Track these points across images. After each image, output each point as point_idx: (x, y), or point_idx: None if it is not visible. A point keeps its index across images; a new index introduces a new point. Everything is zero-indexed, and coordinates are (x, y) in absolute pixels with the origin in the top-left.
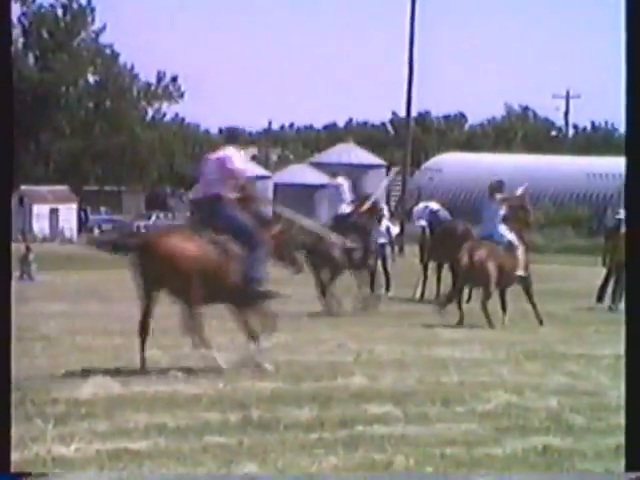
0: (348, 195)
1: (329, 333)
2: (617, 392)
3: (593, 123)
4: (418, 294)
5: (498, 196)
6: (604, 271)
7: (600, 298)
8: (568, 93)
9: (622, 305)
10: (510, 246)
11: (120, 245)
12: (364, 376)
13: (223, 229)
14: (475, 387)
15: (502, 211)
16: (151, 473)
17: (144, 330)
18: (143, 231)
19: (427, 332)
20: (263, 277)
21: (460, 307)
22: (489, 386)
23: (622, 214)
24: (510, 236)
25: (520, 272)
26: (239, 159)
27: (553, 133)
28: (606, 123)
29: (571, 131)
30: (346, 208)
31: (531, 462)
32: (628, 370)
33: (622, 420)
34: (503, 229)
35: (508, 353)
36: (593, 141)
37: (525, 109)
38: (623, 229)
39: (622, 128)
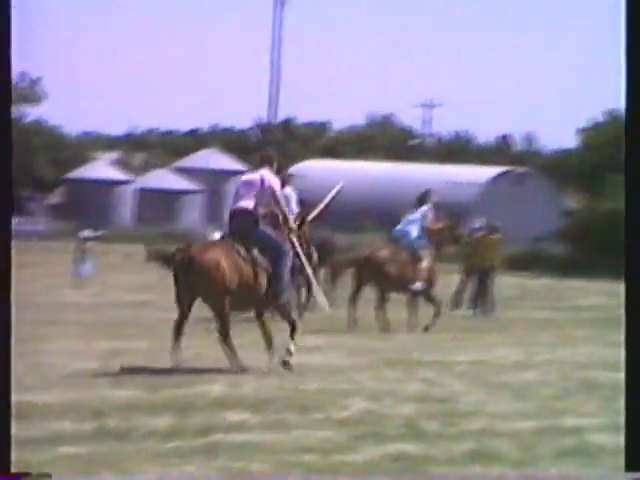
0: (294, 206)
1: (189, 341)
2: (470, 398)
3: (452, 132)
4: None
5: (425, 207)
6: (459, 278)
7: (455, 305)
8: (428, 102)
9: (482, 309)
10: (415, 255)
11: (168, 258)
12: (224, 383)
13: (257, 245)
14: (334, 394)
15: (422, 222)
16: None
17: (178, 332)
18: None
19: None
20: (288, 289)
21: (351, 313)
22: (347, 393)
23: (479, 222)
24: (420, 245)
25: (418, 284)
26: (274, 181)
27: (414, 141)
28: (465, 132)
29: (430, 139)
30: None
31: (386, 469)
32: (628, 370)
33: (475, 425)
34: (416, 237)
35: (369, 360)
36: (452, 149)
37: (387, 117)
38: (481, 234)
39: (481, 137)
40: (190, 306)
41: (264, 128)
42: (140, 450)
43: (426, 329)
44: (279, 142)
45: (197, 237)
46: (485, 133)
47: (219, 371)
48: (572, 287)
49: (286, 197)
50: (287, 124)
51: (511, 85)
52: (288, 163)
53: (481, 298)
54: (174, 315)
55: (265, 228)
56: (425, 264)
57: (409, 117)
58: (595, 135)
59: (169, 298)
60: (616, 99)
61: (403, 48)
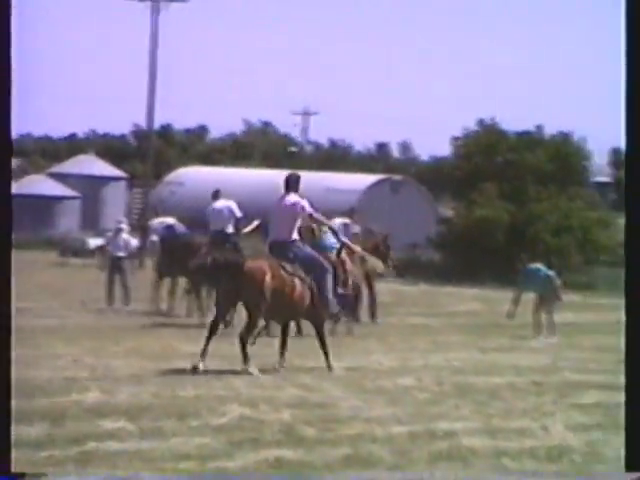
0: (238, 212)
1: (65, 348)
2: (347, 403)
3: (329, 140)
4: (164, 307)
5: (346, 220)
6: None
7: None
8: (306, 110)
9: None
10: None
11: (215, 266)
12: (98, 391)
13: (295, 261)
14: (211, 400)
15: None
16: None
17: (212, 333)
18: None
19: (165, 346)
20: (330, 299)
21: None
22: (224, 399)
23: (357, 229)
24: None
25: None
26: (305, 201)
27: (292, 148)
28: (342, 140)
29: (309, 147)
30: (230, 227)
31: (263, 474)
32: (628, 370)
33: (351, 431)
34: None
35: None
36: (330, 157)
37: (265, 124)
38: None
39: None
40: (227, 311)
41: (141, 134)
42: (14, 459)
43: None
44: (156, 149)
45: (75, 243)
46: (362, 141)
47: (93, 379)
48: (447, 293)
49: (221, 211)
50: (165, 130)
51: (387, 94)
52: (165, 170)
53: (361, 305)
54: (52, 322)
55: (304, 248)
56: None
57: (287, 124)
58: (468, 144)
59: (45, 305)
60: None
61: (281, 55)
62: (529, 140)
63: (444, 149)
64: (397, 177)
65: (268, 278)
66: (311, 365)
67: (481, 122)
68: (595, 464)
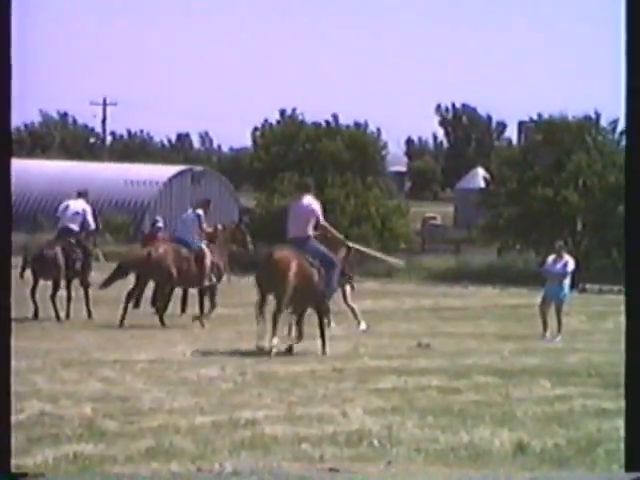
0: (90, 218)
1: None
2: (149, 395)
3: (129, 131)
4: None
5: (199, 211)
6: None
7: (137, 303)
8: (105, 100)
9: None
10: (200, 252)
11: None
12: None
13: (311, 256)
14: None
15: (199, 223)
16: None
17: (260, 312)
18: None
19: None
20: (335, 289)
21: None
22: (23, 396)
23: (160, 221)
24: (203, 244)
25: (206, 281)
26: (317, 205)
27: (92, 140)
28: (142, 131)
29: (109, 138)
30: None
31: (64, 470)
32: (628, 371)
33: (154, 423)
34: (197, 237)
35: (44, 362)
36: (130, 148)
37: (64, 115)
38: (160, 235)
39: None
40: (268, 293)
41: None
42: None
43: (196, 319)
44: None
45: None
46: (162, 132)
47: None
48: (251, 283)
49: (79, 212)
50: None
51: (188, 85)
52: None
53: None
54: None
55: (318, 245)
56: (207, 262)
57: (87, 115)
58: (267, 134)
59: None
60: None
61: (80, 45)
62: (327, 130)
63: (245, 140)
64: (198, 168)
65: (294, 266)
66: (114, 357)
67: (282, 112)
68: (393, 447)
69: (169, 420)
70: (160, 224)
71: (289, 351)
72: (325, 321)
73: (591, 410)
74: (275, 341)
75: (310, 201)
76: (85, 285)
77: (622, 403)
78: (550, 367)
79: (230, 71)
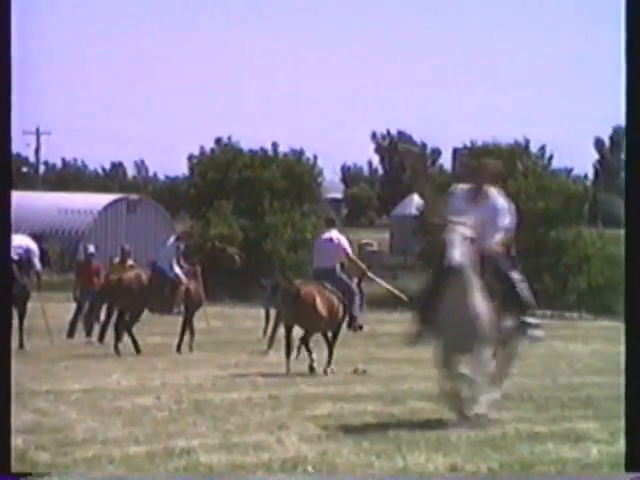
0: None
1: None
2: (83, 426)
3: (64, 160)
4: None
5: (179, 241)
6: (74, 306)
7: (71, 333)
8: (38, 130)
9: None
10: (175, 279)
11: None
12: None
13: (335, 286)
14: None
15: (178, 251)
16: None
17: (288, 345)
18: None
19: None
20: (358, 315)
21: None
22: None
23: (91, 247)
24: (178, 271)
25: (175, 309)
26: (344, 239)
27: (24, 169)
28: (75, 160)
29: (42, 167)
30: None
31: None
32: (628, 371)
33: (87, 453)
34: (175, 266)
35: None
36: (64, 177)
37: None
38: (94, 262)
39: (92, 165)
40: (294, 325)
41: None
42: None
43: (178, 348)
44: None
45: None
46: (97, 161)
47: None
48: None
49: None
50: None
51: (123, 113)
52: None
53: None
54: None
55: (342, 275)
56: (183, 288)
57: (19, 144)
58: (203, 162)
59: None
60: (226, 127)
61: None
62: (263, 158)
63: (181, 168)
64: (133, 196)
65: (319, 300)
66: (46, 388)
67: (218, 140)
68: (330, 472)
69: (102, 450)
70: (92, 250)
71: (311, 370)
72: (336, 342)
73: (524, 434)
74: (313, 359)
75: (337, 235)
76: (20, 314)
77: (554, 427)
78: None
79: (166, 98)
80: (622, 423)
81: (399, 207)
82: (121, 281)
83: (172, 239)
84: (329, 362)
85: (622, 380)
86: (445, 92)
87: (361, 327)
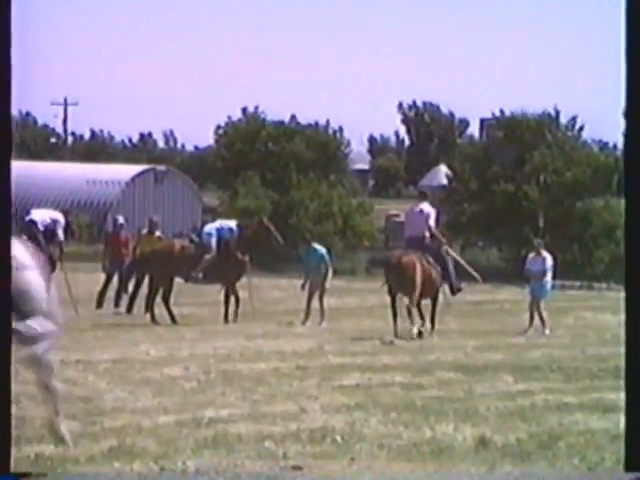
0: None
1: None
2: (112, 395)
3: (92, 131)
4: None
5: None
6: (103, 277)
7: (100, 304)
8: (66, 100)
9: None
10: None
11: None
12: None
13: (427, 253)
14: None
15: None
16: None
17: (394, 312)
18: None
19: None
20: (454, 278)
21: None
22: None
23: (121, 219)
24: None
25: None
26: (433, 213)
27: (52, 140)
28: (102, 131)
29: (70, 139)
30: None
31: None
32: (628, 369)
33: (116, 423)
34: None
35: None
36: (92, 149)
37: (25, 115)
38: (123, 233)
39: (119, 136)
40: (397, 293)
41: None
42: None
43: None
44: None
45: None
46: (124, 132)
47: None
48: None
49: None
50: None
51: (151, 84)
52: None
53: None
54: None
55: (432, 244)
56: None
57: (47, 115)
58: (230, 133)
59: None
60: (251, 99)
61: (41, 47)
62: (288, 129)
63: (208, 139)
64: (161, 167)
65: (419, 268)
66: (76, 358)
67: (244, 111)
68: (356, 444)
69: (132, 420)
70: (121, 221)
71: (420, 335)
72: (437, 308)
73: (553, 405)
74: (415, 328)
75: (428, 208)
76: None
77: (583, 397)
78: (513, 363)
79: (193, 70)
80: None
81: (426, 178)
82: (155, 253)
83: (234, 222)
84: (432, 327)
85: None
86: (473, 61)
87: (459, 289)
